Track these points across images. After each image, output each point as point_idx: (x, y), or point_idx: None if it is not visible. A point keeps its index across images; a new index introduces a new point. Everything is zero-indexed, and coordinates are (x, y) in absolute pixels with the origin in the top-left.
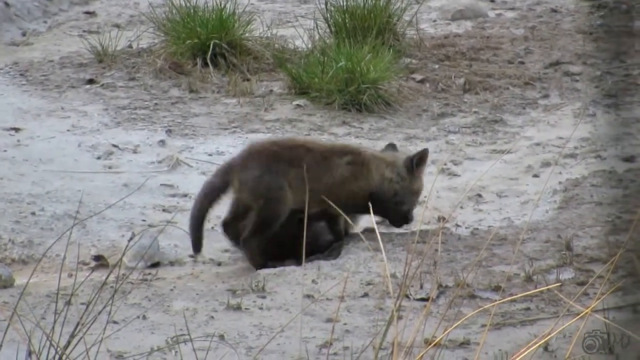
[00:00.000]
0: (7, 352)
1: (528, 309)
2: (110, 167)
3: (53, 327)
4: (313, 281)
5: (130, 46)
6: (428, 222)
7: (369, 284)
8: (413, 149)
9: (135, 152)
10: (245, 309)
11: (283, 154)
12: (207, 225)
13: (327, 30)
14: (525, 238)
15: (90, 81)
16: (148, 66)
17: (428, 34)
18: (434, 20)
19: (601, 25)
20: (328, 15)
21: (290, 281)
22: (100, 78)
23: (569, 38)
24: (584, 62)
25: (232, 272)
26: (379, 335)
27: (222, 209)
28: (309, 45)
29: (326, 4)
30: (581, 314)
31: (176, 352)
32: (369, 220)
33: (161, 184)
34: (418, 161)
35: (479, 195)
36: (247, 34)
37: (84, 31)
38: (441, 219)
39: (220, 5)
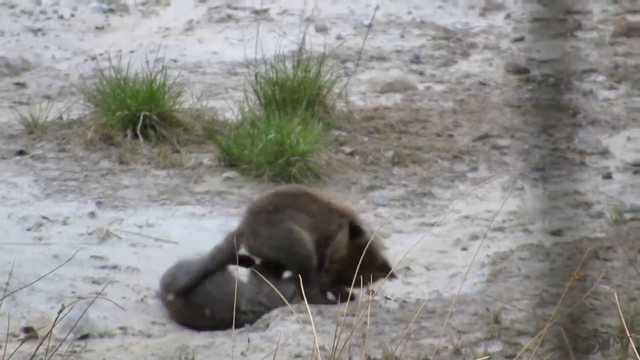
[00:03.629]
0: None
1: None
2: (40, 239)
3: None
4: (242, 353)
5: (60, 117)
6: (357, 295)
7: (297, 356)
8: None
9: (65, 223)
10: None
11: (286, 201)
12: (136, 297)
13: (257, 102)
14: (453, 311)
15: (21, 152)
16: (78, 137)
17: (357, 106)
18: (364, 93)
19: (529, 98)
20: (258, 87)
21: (219, 353)
22: (31, 149)
23: (497, 111)
24: (512, 135)
25: (161, 344)
26: None
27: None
28: (239, 117)
29: (256, 76)
30: None
31: None
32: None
33: (91, 256)
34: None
35: (408, 268)
36: (177, 106)
37: (14, 102)
38: (370, 291)
39: (151, 76)
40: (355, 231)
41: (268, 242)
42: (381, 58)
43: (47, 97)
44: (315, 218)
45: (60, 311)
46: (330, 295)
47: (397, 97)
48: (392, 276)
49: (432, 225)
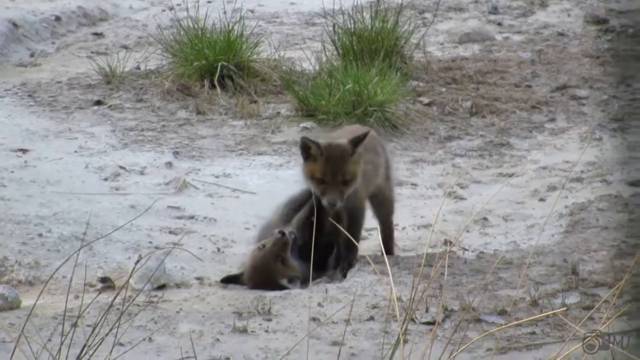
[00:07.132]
0: None
1: (534, 333)
2: (117, 189)
3: (60, 349)
4: (319, 304)
5: (138, 68)
6: (434, 246)
7: (374, 307)
8: (419, 172)
9: (142, 173)
10: (251, 331)
11: None
12: (213, 247)
13: (335, 52)
14: (531, 262)
15: (98, 102)
16: (156, 88)
17: (435, 57)
18: (442, 44)
19: (608, 49)
20: (335, 37)
21: (296, 304)
22: (108, 99)
23: (575, 62)
24: (590, 86)
25: (238, 294)
26: (385, 359)
27: (230, 230)
28: (317, 68)
29: (334, 26)
30: (586, 339)
31: None
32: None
33: (168, 206)
34: None
35: (485, 219)
36: (254, 56)
37: (92, 52)
38: (447, 242)
39: (228, 27)
40: None
41: None
42: (459, 9)
43: (125, 47)
44: None
45: (137, 261)
46: None
47: (475, 48)
48: None
49: (509, 175)
